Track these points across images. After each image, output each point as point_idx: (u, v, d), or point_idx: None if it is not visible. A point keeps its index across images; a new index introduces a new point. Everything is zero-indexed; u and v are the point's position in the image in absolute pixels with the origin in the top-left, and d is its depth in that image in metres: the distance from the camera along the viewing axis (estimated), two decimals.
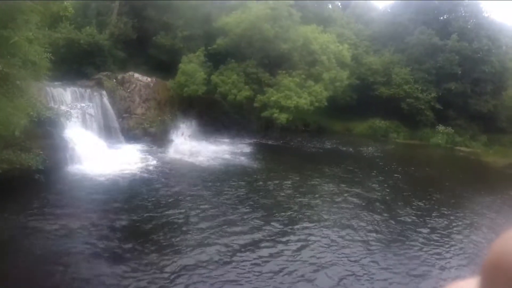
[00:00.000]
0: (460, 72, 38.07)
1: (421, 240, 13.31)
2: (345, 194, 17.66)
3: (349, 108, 36.90)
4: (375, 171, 23.15)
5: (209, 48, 29.62)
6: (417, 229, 14.25)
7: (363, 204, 16.57)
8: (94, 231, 12.40)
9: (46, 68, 8.71)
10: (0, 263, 10.00)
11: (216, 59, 29.88)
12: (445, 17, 42.14)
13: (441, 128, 37.05)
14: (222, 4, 33.37)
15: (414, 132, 37.80)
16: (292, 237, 12.70)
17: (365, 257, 11.63)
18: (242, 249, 11.57)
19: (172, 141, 24.84)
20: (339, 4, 52.68)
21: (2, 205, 12.88)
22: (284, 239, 12.45)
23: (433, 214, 16.02)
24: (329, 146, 30.16)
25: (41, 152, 15.79)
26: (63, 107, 20.04)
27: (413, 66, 38.32)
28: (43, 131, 17.67)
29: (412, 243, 13.06)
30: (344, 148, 29.73)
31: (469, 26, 40.34)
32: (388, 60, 38.13)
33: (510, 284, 0.39)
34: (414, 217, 15.51)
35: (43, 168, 15.14)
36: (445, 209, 16.85)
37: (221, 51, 29.74)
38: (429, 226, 14.71)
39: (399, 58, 38.79)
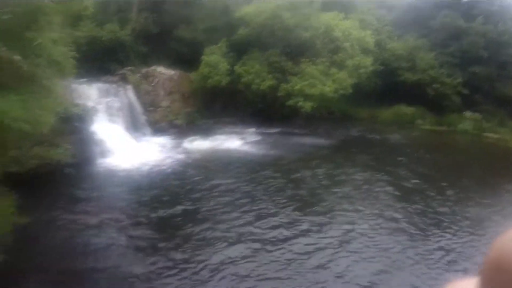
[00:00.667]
0: (486, 56, 36.86)
1: (458, 229, 13.07)
2: (378, 183, 17.40)
3: (374, 94, 36.20)
4: (404, 159, 22.64)
5: (231, 38, 29.52)
6: (453, 219, 13.95)
7: (397, 193, 16.31)
8: (123, 224, 12.51)
9: (71, 67, 8.72)
10: (32, 255, 10.08)
11: (239, 50, 29.72)
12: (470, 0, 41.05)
13: (468, 114, 36.05)
14: None
15: (440, 118, 36.76)
16: (332, 229, 12.58)
17: (404, 248, 11.47)
18: (279, 243, 11.47)
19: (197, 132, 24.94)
20: None
21: (34, 200, 13.04)
22: (323, 232, 12.37)
23: (467, 203, 15.63)
24: (355, 134, 29.78)
25: (69, 147, 16.06)
26: (89, 103, 20.36)
27: (437, 50, 37.22)
28: (71, 127, 18.12)
29: (449, 232, 12.82)
30: (371, 136, 29.30)
31: (494, 9, 39.27)
32: (412, 45, 37.20)
33: (510, 284, 0.40)
34: (447, 207, 15.18)
35: (72, 162, 15.40)
36: (477, 198, 16.41)
37: (243, 41, 29.56)
38: (464, 215, 14.39)
39: (423, 42, 37.73)
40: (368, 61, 30.60)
